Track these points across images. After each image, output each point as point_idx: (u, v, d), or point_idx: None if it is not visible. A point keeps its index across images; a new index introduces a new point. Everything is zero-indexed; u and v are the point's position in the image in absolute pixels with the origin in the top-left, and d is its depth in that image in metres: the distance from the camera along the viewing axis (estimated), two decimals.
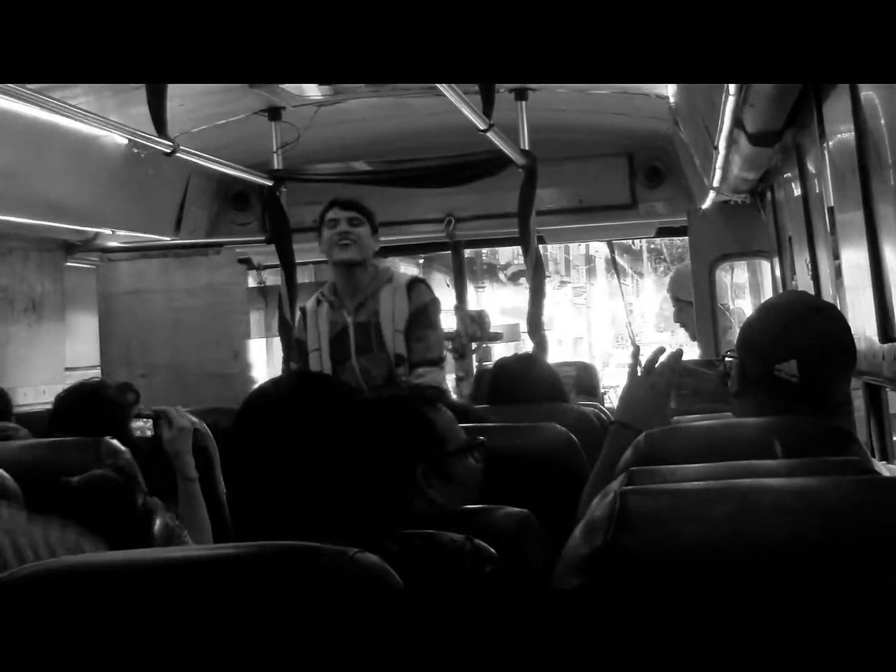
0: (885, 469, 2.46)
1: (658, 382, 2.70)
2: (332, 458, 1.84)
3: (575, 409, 3.85)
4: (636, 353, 2.78)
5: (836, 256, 3.35)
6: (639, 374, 2.73)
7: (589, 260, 27.70)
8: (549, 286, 14.32)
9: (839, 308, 3.21)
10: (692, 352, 6.49)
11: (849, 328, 2.52)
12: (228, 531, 3.33)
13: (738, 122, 3.74)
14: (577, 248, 26.06)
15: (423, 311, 4.65)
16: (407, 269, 12.06)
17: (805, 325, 2.47)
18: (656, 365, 2.72)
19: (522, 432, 3.14)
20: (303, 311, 4.91)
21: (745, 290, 7.49)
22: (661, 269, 24.88)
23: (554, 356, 6.98)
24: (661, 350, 2.77)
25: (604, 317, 27.89)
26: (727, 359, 2.66)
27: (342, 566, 1.05)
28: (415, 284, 4.71)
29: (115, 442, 3.04)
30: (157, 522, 2.75)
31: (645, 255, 26.59)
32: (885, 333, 2.63)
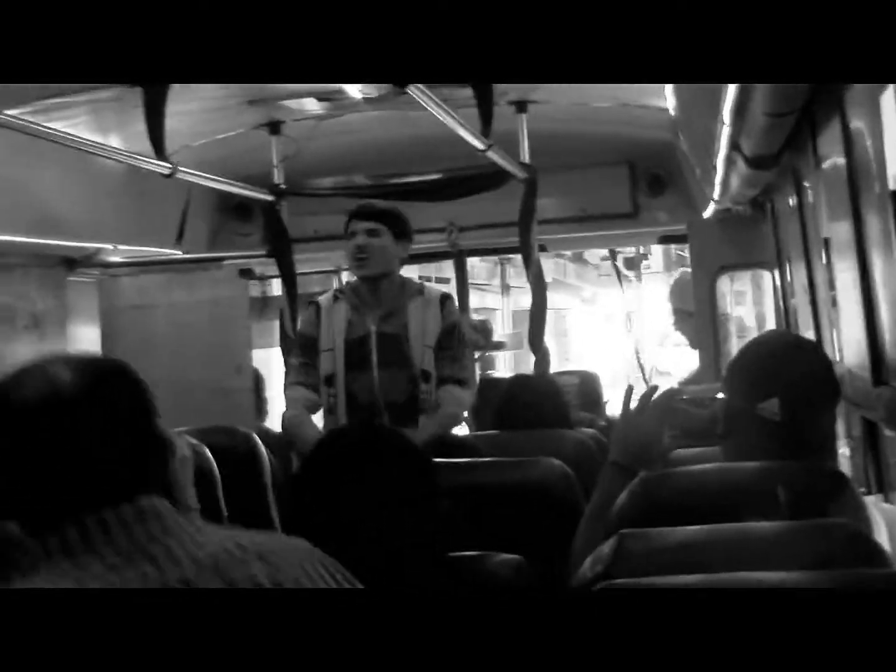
0: (877, 510, 2.44)
1: (651, 421, 2.69)
2: (389, 516, 1.97)
3: (572, 436, 3.85)
4: (629, 392, 2.77)
5: (832, 287, 3.33)
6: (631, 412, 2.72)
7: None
8: (589, 284, 13.98)
9: (837, 339, 3.21)
10: (692, 363, 6.50)
11: (830, 365, 2.53)
12: None
13: (735, 146, 3.73)
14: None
15: (455, 328, 4.47)
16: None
17: (785, 362, 2.48)
18: (649, 403, 2.71)
19: (518, 467, 3.14)
20: (316, 304, 4.65)
21: (746, 297, 7.46)
22: None
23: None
24: (655, 388, 2.76)
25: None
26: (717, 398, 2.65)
27: None
28: (448, 300, 4.53)
29: None
30: None
31: None
32: (877, 377, 2.62)
